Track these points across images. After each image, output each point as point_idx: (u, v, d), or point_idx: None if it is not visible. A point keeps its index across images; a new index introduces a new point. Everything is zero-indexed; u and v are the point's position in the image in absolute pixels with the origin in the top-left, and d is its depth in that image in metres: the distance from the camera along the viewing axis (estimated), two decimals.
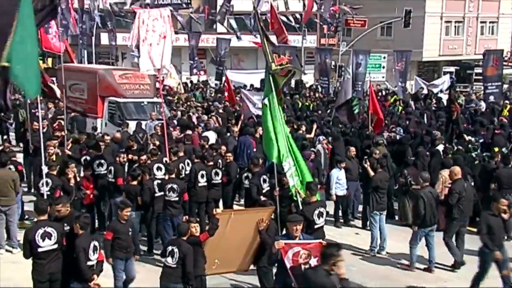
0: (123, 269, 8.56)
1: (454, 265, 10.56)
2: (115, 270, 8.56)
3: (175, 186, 10.50)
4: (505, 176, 12.12)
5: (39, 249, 7.51)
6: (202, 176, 11.35)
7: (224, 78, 25.36)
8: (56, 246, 7.57)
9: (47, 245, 7.51)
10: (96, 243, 7.53)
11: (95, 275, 7.42)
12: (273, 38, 28.34)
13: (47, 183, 10.07)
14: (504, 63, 42.22)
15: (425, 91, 27.58)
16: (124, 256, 8.52)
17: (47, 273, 7.55)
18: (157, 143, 13.21)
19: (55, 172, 10.55)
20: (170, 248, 7.79)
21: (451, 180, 10.79)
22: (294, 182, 9.13)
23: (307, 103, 24.06)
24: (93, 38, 34.25)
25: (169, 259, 7.72)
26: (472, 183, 12.16)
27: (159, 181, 10.82)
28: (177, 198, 10.49)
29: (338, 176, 12.60)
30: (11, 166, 11.19)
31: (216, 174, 11.64)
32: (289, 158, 9.05)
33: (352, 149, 13.31)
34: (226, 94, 21.99)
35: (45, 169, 9.84)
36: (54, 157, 11.75)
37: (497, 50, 27.67)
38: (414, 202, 10.58)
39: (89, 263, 7.38)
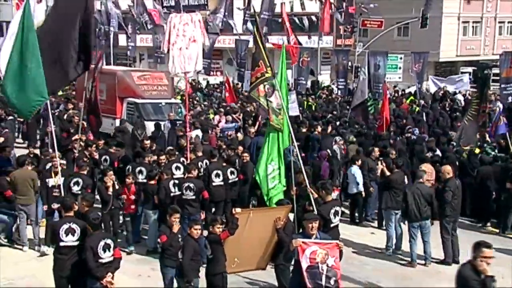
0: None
1: (444, 261, 10.78)
2: (165, 279, 8.37)
3: (191, 185, 10.67)
4: None
5: (61, 243, 7.72)
6: (217, 175, 11.49)
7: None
8: (78, 243, 7.75)
9: (69, 240, 7.70)
10: (109, 241, 7.60)
11: (110, 273, 7.50)
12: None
13: (77, 183, 10.33)
14: None
15: (442, 91, 27.52)
16: (175, 264, 8.20)
17: (68, 268, 7.71)
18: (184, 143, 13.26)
19: (85, 172, 10.78)
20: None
21: (443, 178, 11.00)
22: (272, 185, 9.27)
23: (310, 103, 24.07)
24: (111, 39, 34.67)
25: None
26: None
27: (176, 181, 11.00)
28: (194, 197, 10.65)
29: (355, 173, 12.73)
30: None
31: (232, 173, 11.81)
32: (274, 162, 9.19)
33: (376, 149, 13.37)
34: (227, 94, 22.20)
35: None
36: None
37: None
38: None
39: (101, 261, 7.47)
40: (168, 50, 12.04)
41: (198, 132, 15.56)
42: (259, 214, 8.57)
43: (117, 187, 10.53)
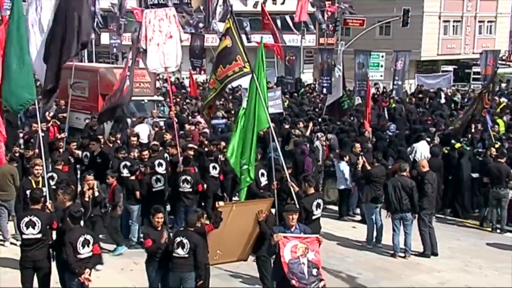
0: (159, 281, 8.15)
1: (423, 254, 10.95)
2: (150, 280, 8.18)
3: (188, 177, 11.01)
4: (495, 170, 12.41)
5: (23, 236, 7.86)
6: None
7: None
8: (39, 235, 7.82)
9: (30, 233, 7.80)
10: (89, 237, 7.62)
11: (87, 269, 7.52)
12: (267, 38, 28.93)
13: (52, 177, 10.32)
14: (502, 62, 42.80)
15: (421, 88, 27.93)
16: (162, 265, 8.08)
17: (31, 260, 7.86)
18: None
19: (60, 167, 10.77)
20: (179, 239, 7.81)
21: (420, 171, 11.20)
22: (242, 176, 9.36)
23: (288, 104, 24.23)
24: (93, 37, 34.45)
25: (179, 251, 7.75)
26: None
27: (159, 176, 11.07)
28: (190, 189, 11.03)
29: (344, 170, 12.91)
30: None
31: (214, 168, 11.90)
32: (245, 156, 9.26)
33: (357, 145, 13.53)
34: (189, 89, 22.33)
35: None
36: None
37: (495, 50, 27.97)
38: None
39: (79, 256, 7.49)
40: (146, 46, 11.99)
41: (144, 127, 15.73)
42: (241, 207, 8.65)
43: (96, 194, 9.91)
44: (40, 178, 9.63)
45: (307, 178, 9.52)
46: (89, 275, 7.53)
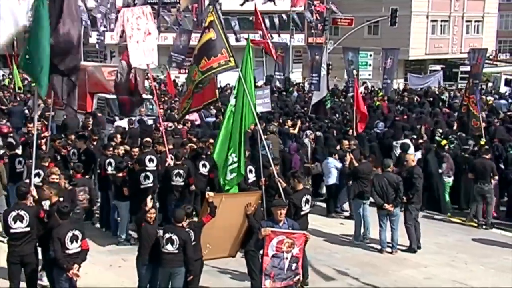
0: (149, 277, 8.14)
1: (409, 249, 11.07)
2: (140, 278, 8.17)
3: (181, 171, 11.20)
4: (480, 166, 12.58)
5: (11, 230, 7.84)
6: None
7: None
8: (28, 229, 7.83)
9: (18, 227, 7.80)
10: (77, 232, 7.63)
11: (76, 265, 7.55)
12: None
13: (38, 174, 10.29)
14: (489, 61, 43.19)
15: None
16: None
17: (18, 255, 7.86)
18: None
19: (47, 164, 10.75)
20: (168, 235, 7.82)
21: (408, 166, 11.32)
22: (229, 177, 9.39)
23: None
24: (81, 36, 34.30)
25: (168, 247, 7.78)
26: None
27: (148, 173, 11.09)
28: (183, 183, 11.22)
29: (335, 165, 13.00)
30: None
31: (204, 166, 11.94)
32: (234, 154, 9.30)
33: (346, 142, 13.62)
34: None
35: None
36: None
37: (482, 49, 28.24)
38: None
39: (67, 252, 7.51)
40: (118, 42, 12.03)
41: (124, 123, 16.00)
42: (231, 198, 8.70)
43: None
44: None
45: (295, 174, 9.63)
46: (78, 270, 7.55)
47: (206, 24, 10.03)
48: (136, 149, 11.83)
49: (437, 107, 22.58)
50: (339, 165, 12.94)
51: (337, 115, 19.28)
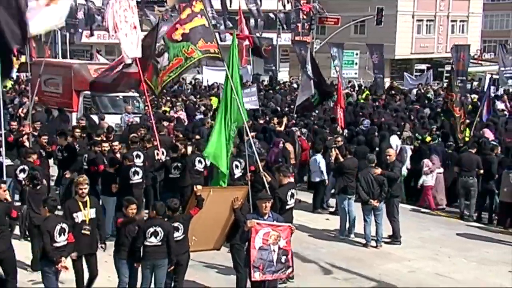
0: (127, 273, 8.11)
1: (394, 241, 11.32)
2: (119, 273, 8.14)
3: (179, 164, 11.57)
4: (467, 159, 12.85)
5: None
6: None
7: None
8: None
9: None
10: (64, 225, 7.66)
11: (63, 258, 7.57)
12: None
13: (23, 170, 10.29)
14: (474, 61, 43.62)
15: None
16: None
17: None
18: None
19: (32, 160, 10.74)
20: (152, 229, 7.84)
21: (389, 161, 11.53)
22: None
23: None
24: (67, 36, 34.26)
25: (152, 239, 7.81)
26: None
27: (137, 169, 11.13)
28: (179, 176, 11.47)
29: (320, 162, 13.10)
30: None
31: (200, 162, 11.95)
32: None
33: (339, 139, 13.70)
34: None
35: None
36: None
37: (465, 45, 28.57)
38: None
39: (55, 245, 7.54)
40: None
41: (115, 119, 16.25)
42: (218, 192, 8.76)
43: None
44: (86, 198, 8.22)
45: (281, 168, 9.71)
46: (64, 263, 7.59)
47: (197, 10, 10.17)
48: (116, 143, 11.86)
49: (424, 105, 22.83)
50: (322, 162, 13.06)
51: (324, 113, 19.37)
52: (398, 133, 15.43)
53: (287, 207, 9.28)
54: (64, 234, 7.63)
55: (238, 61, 9.52)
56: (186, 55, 10.34)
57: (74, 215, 8.02)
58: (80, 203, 8.15)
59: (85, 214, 8.10)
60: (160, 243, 7.85)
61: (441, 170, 13.60)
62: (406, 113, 19.67)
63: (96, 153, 11.74)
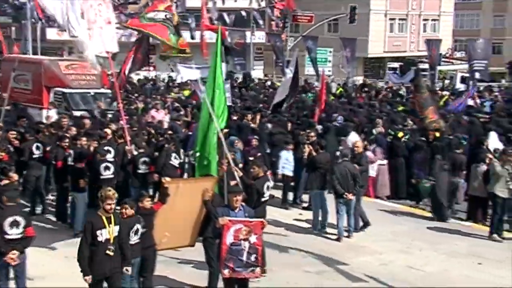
0: None
1: (365, 225, 11.76)
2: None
3: (147, 159, 11.52)
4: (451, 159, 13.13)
5: None
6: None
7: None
8: None
9: None
10: (20, 218, 7.56)
11: (15, 250, 7.47)
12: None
13: None
14: (445, 59, 44.23)
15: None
16: None
17: None
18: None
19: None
20: (135, 227, 7.69)
21: (357, 152, 11.91)
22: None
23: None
24: (38, 32, 33.80)
25: (134, 237, 7.67)
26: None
27: (107, 164, 11.04)
28: (147, 171, 11.44)
29: (288, 157, 13.10)
30: None
31: (176, 158, 11.89)
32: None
33: (312, 134, 13.75)
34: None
35: None
36: None
37: (436, 39, 28.95)
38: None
39: (6, 237, 7.45)
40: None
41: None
42: (188, 184, 8.72)
43: None
44: (112, 215, 7.38)
45: (256, 162, 9.96)
46: (17, 256, 7.50)
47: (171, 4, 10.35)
48: (84, 139, 11.71)
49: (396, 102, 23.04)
50: (291, 158, 13.11)
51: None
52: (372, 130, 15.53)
53: (263, 199, 9.38)
54: (17, 227, 7.53)
55: (221, 57, 9.46)
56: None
57: (98, 232, 7.18)
58: (104, 219, 7.28)
59: (110, 231, 7.26)
60: (138, 240, 7.74)
61: (384, 162, 13.83)
62: (378, 109, 19.85)
63: (64, 149, 11.58)
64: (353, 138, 13.96)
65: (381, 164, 13.88)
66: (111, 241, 7.24)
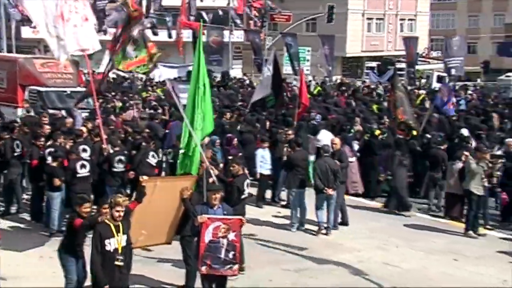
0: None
1: (343, 222, 11.96)
2: (68, 272, 7.82)
3: (123, 157, 11.36)
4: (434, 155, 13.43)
5: None
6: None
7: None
8: None
9: None
10: None
11: None
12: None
13: None
14: (422, 59, 44.71)
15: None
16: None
17: None
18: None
19: None
20: None
21: (335, 149, 12.03)
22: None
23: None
24: (12, 30, 33.36)
25: None
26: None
27: (84, 162, 10.91)
28: (123, 169, 11.30)
29: (264, 155, 13.09)
30: None
31: (153, 156, 11.81)
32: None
33: (290, 132, 13.76)
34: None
35: None
36: None
37: (413, 37, 29.21)
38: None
39: None
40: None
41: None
42: (166, 183, 8.62)
43: None
44: (120, 223, 7.10)
45: (235, 160, 10.01)
46: None
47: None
48: (61, 137, 11.61)
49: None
50: (268, 156, 13.12)
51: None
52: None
53: (243, 196, 9.42)
54: None
55: (202, 54, 9.37)
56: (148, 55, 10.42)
57: (106, 241, 6.87)
58: (113, 228, 6.98)
59: (118, 241, 6.98)
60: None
61: (353, 159, 13.93)
62: (353, 108, 20.00)
63: (39, 148, 11.44)
64: (323, 136, 14.02)
65: (350, 161, 13.94)
66: (119, 251, 6.97)
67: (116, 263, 6.94)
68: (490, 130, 16.01)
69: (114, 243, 6.95)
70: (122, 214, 7.04)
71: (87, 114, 17.04)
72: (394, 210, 13.02)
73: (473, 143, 13.78)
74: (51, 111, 16.59)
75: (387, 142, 14.42)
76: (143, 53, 11.59)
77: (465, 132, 15.09)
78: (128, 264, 7.22)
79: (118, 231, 6.98)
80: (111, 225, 6.99)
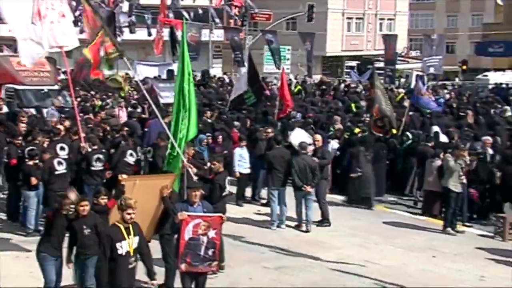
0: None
1: (324, 222, 11.95)
2: (46, 272, 7.76)
3: (101, 156, 11.24)
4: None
5: None
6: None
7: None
8: None
9: None
10: None
11: None
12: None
13: None
14: (401, 58, 45.04)
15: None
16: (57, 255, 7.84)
17: None
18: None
19: None
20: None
21: (317, 146, 12.22)
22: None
23: None
24: None
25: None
26: None
27: (61, 159, 10.77)
28: (102, 168, 11.20)
29: (241, 154, 13.05)
30: None
31: (131, 155, 11.68)
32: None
33: (269, 130, 13.76)
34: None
35: None
36: None
37: (392, 35, 29.40)
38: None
39: None
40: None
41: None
42: (145, 181, 8.53)
43: None
44: (130, 225, 6.96)
45: (216, 158, 10.10)
46: None
47: None
48: (40, 137, 11.42)
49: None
50: (246, 155, 13.12)
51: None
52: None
53: (224, 193, 9.54)
54: None
55: (187, 51, 9.31)
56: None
57: (118, 245, 6.72)
58: (123, 230, 6.84)
59: (130, 243, 6.83)
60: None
61: None
62: (330, 107, 20.10)
63: (17, 146, 11.28)
64: (297, 134, 14.04)
65: None
66: (131, 253, 6.84)
67: (130, 266, 6.86)
68: (460, 128, 16.15)
69: (126, 246, 6.82)
70: (133, 216, 6.87)
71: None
72: (356, 205, 13.25)
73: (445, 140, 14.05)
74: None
75: (367, 139, 14.48)
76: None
77: (435, 129, 15.31)
78: (148, 265, 7.22)
79: (129, 234, 6.85)
80: (121, 227, 6.85)
